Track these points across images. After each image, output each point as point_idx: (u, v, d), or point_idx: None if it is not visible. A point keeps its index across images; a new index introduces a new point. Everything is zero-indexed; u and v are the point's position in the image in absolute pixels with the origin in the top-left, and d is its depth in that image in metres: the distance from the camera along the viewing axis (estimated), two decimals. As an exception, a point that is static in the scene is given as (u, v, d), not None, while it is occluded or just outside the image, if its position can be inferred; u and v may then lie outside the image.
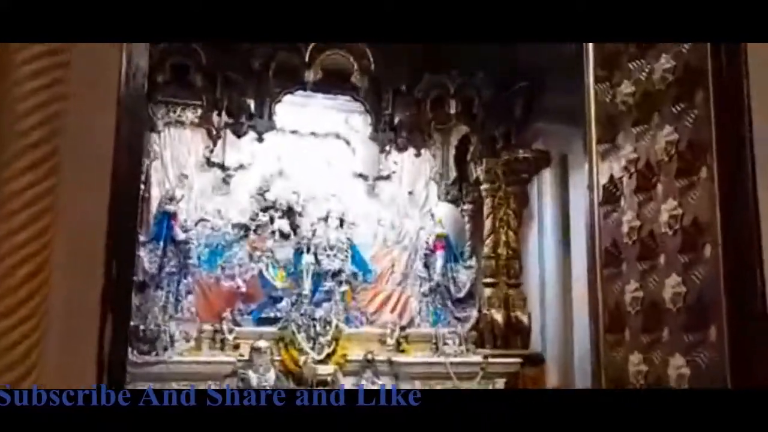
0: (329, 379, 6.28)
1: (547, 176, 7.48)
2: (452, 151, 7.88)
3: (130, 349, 5.54)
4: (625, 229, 2.90)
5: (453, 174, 7.83)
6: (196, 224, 6.98)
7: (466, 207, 7.78)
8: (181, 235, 6.73)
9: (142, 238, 6.41)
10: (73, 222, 1.90)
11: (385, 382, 6.54)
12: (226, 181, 7.25)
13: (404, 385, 6.59)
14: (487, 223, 7.39)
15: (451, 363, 6.60)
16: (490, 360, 6.69)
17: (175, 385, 5.77)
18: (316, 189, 7.49)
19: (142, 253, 6.43)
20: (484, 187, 7.40)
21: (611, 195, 3.04)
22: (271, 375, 6.12)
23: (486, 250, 7.38)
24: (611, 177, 3.01)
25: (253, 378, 6.00)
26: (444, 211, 7.74)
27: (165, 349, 6.01)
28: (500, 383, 6.68)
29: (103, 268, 1.98)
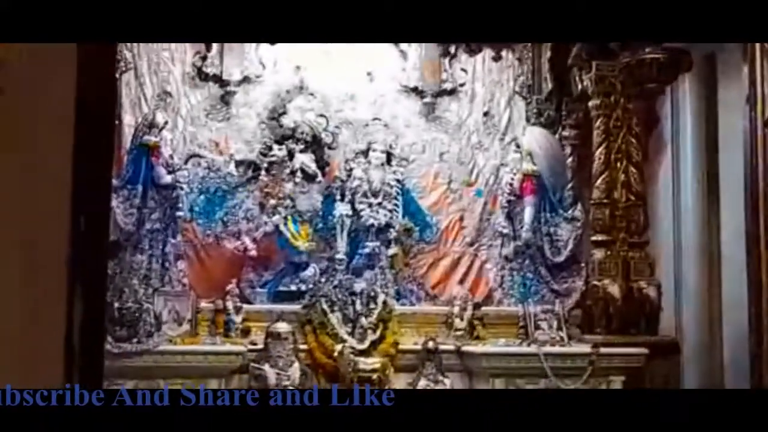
0: (375, 376, 6.40)
1: (687, 86, 7.33)
2: (547, 53, 7.75)
3: (102, 335, 5.70)
4: (803, 162, 2.84)
5: (548, 85, 7.73)
6: (186, 162, 7.08)
7: (567, 133, 7.70)
8: (165, 178, 6.84)
9: (113, 182, 6.52)
10: (26, 163, 1.95)
11: (453, 381, 6.65)
12: (225, 100, 7.33)
13: (480, 385, 6.69)
14: (599, 156, 7.31)
15: (547, 354, 6.63)
16: (603, 350, 6.69)
17: (164, 384, 5.96)
18: (352, 110, 7.51)
19: (114, 202, 6.55)
20: (593, 103, 7.32)
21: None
22: (295, 370, 6.27)
23: (597, 194, 7.31)
24: (784, 86, 2.94)
25: (271, 374, 6.16)
26: (535, 139, 7.68)
27: (149, 335, 6.19)
28: (617, 382, 6.70)
29: (68, 226, 2.04)
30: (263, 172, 7.16)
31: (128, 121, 6.98)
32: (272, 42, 6.89)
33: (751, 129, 5.87)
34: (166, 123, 6.95)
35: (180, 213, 6.89)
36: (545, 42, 7.44)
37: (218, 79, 7.28)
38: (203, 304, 6.69)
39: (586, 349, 6.76)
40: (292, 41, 6.69)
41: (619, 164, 7.29)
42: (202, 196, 7.16)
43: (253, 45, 7.22)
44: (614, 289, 7.03)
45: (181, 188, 6.89)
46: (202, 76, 7.27)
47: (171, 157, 6.97)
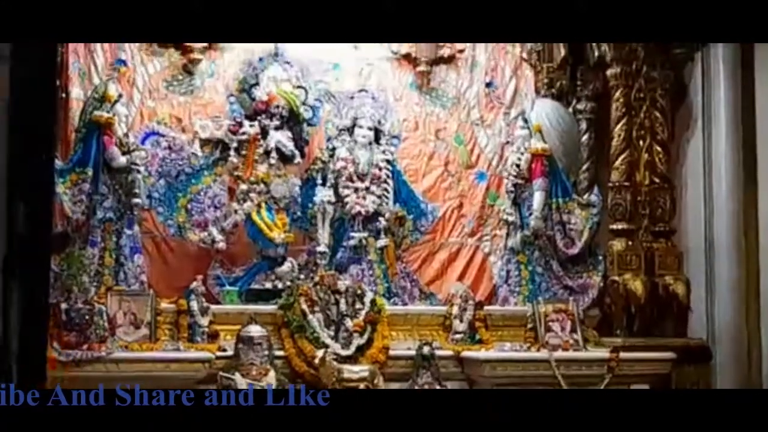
0: (362, 386, 6.37)
1: (719, 52, 7.33)
2: (559, 14, 7.75)
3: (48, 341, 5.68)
4: None
5: (561, 52, 7.70)
6: (143, 141, 7.03)
7: (582, 106, 7.69)
8: (119, 159, 6.77)
9: (58, 165, 6.47)
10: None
11: (453, 392, 6.65)
12: (188, 70, 7.29)
13: (483, 396, 6.69)
14: (618, 133, 7.32)
15: (560, 360, 6.64)
16: (623, 355, 6.69)
17: (120, 396, 5.97)
18: (335, 81, 7.48)
19: (60, 188, 6.49)
20: (612, 71, 7.35)
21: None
22: (270, 380, 6.23)
23: (616, 176, 7.32)
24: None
25: (242, 384, 6.11)
26: (545, 113, 7.65)
27: (102, 340, 6.15)
28: (641, 392, 6.75)
29: (3, 215, 2.00)
30: (232, 153, 7.08)
31: (76, 94, 6.92)
32: (275, 41, 7.03)
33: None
34: (120, 96, 6.87)
35: (137, 200, 6.83)
36: (549, 42, 7.47)
37: (180, 46, 7.22)
38: (164, 304, 6.64)
39: (604, 354, 6.75)
40: (297, 41, 6.92)
41: (641, 142, 7.31)
42: (162, 181, 7.11)
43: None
44: (636, 286, 7.05)
45: (138, 171, 6.81)
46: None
47: (126, 135, 6.90)
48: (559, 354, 6.74)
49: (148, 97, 7.22)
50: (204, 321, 6.59)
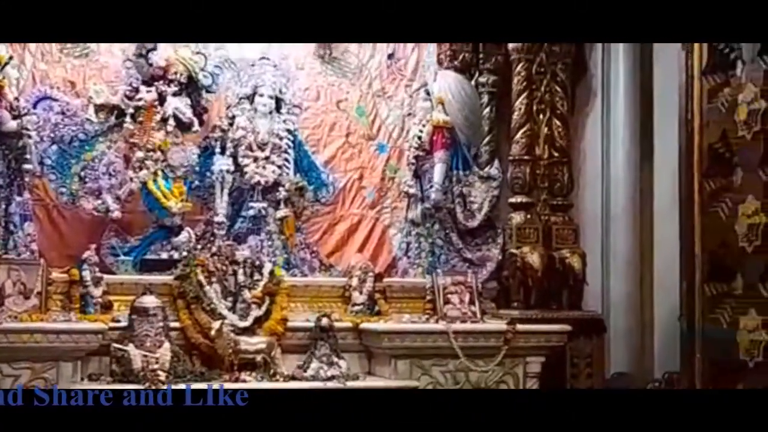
0: (260, 358, 6.39)
1: (619, 29, 7.48)
2: (461, -15, 7.81)
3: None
4: (741, 114, 2.92)
5: (463, 24, 7.79)
6: (35, 105, 6.92)
7: (484, 79, 7.77)
8: (9, 123, 6.64)
9: (-58, 129, 6.35)
10: None
11: (350, 363, 6.69)
12: (83, 32, 7.18)
13: (380, 367, 6.77)
14: (519, 106, 7.44)
15: (457, 332, 6.73)
16: (520, 327, 6.83)
17: (7, 369, 5.87)
18: (235, 48, 7.41)
19: (-55, 154, 6.39)
20: (514, 45, 7.42)
21: (723, 59, 3.06)
22: (165, 351, 6.18)
23: (516, 150, 7.45)
24: (723, 29, 3.01)
25: (136, 356, 6.06)
26: (448, 85, 7.72)
27: (-11, 310, 6.06)
28: (536, 363, 6.89)
29: None
30: (128, 119, 7.00)
31: (-39, 56, 6.77)
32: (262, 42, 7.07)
33: (687, 79, 6.01)
34: (10, 58, 6.74)
35: (28, 166, 6.72)
36: (534, 42, 7.49)
37: (74, 7, 7.10)
38: (55, 274, 6.54)
39: (501, 326, 6.87)
40: (285, 41, 7.05)
41: (541, 116, 7.44)
42: (54, 147, 7.01)
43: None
44: (534, 259, 7.17)
45: (29, 136, 6.69)
46: (55, 2, 7.08)
47: (17, 99, 6.77)
48: (457, 326, 6.82)
49: (40, 59, 7.07)
50: (97, 291, 6.50)
